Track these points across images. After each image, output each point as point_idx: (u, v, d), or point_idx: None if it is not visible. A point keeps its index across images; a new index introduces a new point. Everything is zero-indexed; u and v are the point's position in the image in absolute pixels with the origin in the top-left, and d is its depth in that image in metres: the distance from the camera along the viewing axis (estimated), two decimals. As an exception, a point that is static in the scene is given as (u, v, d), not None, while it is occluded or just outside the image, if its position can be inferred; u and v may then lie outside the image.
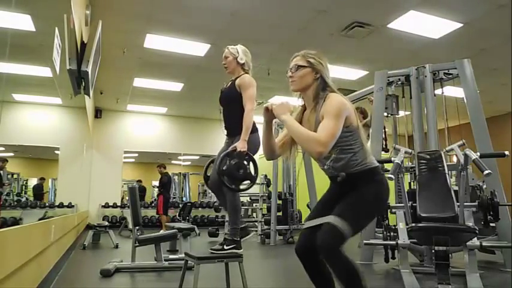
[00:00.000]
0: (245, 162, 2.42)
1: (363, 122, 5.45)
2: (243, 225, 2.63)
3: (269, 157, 1.81)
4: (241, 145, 2.43)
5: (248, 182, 2.47)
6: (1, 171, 7.65)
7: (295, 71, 1.72)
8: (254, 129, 2.58)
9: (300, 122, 1.72)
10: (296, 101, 1.80)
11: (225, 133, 2.74)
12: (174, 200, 10.67)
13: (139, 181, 10.12)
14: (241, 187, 2.47)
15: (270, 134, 1.76)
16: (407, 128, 5.67)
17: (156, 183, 11.19)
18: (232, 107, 2.64)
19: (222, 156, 2.42)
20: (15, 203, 8.62)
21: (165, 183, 7.89)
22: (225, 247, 2.46)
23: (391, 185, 4.67)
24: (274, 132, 7.00)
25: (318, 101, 1.66)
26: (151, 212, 9.59)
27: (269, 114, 1.68)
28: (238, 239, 2.52)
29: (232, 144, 2.53)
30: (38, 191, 9.26)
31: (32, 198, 9.00)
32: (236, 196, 2.56)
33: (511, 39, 5.37)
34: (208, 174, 2.78)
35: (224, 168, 2.37)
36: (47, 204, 8.70)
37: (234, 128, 2.60)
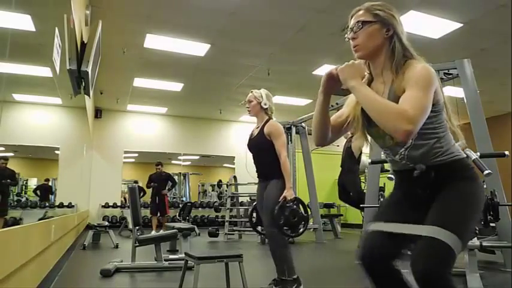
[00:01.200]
0: (295, 207, 2.60)
1: None
2: (295, 276, 2.70)
3: (320, 143, 1.42)
4: (289, 193, 2.58)
5: (304, 223, 2.68)
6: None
7: (358, 30, 1.31)
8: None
9: None
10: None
11: (257, 176, 2.86)
12: (174, 200, 10.67)
13: (135, 182, 10.09)
14: (300, 231, 2.70)
15: (326, 112, 1.36)
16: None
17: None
18: (264, 154, 2.75)
19: (276, 212, 2.55)
20: (15, 203, 8.62)
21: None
22: None
23: (391, 185, 4.69)
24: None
25: (396, 67, 1.27)
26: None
27: (331, 83, 1.30)
28: (296, 275, 2.65)
29: (266, 188, 2.70)
30: (45, 191, 9.24)
31: (32, 198, 8.99)
32: (287, 249, 2.69)
33: (511, 39, 5.36)
34: (253, 220, 2.95)
35: (282, 222, 2.54)
36: (47, 204, 8.70)
37: (267, 173, 2.75)
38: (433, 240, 1.12)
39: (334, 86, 1.31)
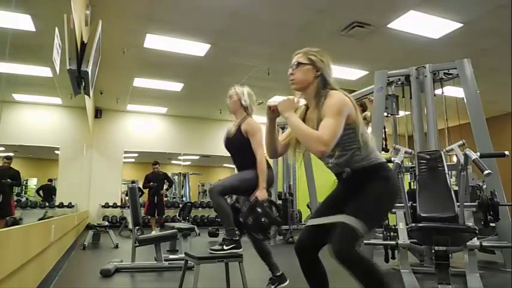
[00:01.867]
0: (267, 209, 2.45)
1: (362, 114, 5.45)
2: (279, 273, 2.67)
3: (272, 156, 1.83)
4: (261, 194, 2.46)
5: (275, 227, 2.52)
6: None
7: (295, 68, 1.70)
8: (267, 167, 2.61)
9: (304, 121, 1.69)
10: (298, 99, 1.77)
11: (236, 169, 2.76)
12: (174, 200, 10.68)
13: (133, 182, 10.06)
14: (271, 234, 2.54)
15: (273, 133, 1.76)
16: (407, 128, 5.67)
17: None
18: (240, 151, 2.67)
19: (245, 213, 2.43)
20: (15, 203, 8.62)
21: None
22: (225, 247, 2.46)
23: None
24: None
25: (319, 99, 1.63)
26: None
27: (272, 112, 1.68)
28: (237, 238, 2.52)
29: (242, 175, 2.60)
30: (48, 192, 9.23)
31: (32, 198, 8.99)
32: (221, 200, 2.51)
33: (511, 39, 5.36)
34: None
35: (250, 223, 2.42)
36: (47, 204, 8.70)
37: (245, 167, 2.64)
38: (343, 224, 1.51)
39: (275, 115, 1.69)
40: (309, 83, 1.68)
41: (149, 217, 7.81)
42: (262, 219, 2.41)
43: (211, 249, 2.48)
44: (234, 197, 3.82)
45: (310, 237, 1.71)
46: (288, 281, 2.66)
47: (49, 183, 9.31)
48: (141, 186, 8.09)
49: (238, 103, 2.74)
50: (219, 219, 7.50)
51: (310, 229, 1.73)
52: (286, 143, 1.80)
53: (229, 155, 2.78)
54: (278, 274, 2.68)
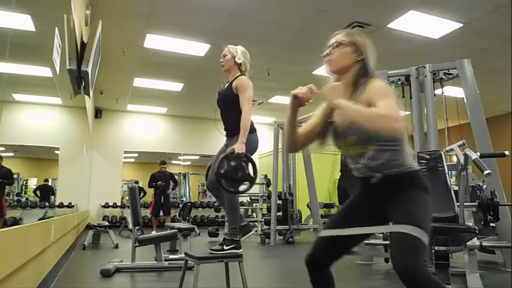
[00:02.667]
0: (243, 164, 2.41)
1: None
2: (243, 223, 2.61)
3: (290, 150, 1.63)
4: (239, 147, 2.41)
5: (247, 183, 2.45)
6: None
7: (335, 47, 1.51)
8: (252, 130, 2.56)
9: (330, 112, 1.52)
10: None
11: (224, 134, 2.74)
12: (174, 200, 10.67)
13: (136, 182, 10.07)
14: (240, 189, 2.46)
15: (294, 124, 1.56)
16: (407, 128, 5.67)
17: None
18: (229, 108, 2.63)
19: (220, 159, 2.40)
20: (15, 203, 8.62)
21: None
22: (225, 247, 2.46)
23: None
24: (275, 133, 6.92)
25: (356, 87, 1.44)
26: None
27: (298, 100, 1.49)
28: (238, 238, 2.51)
29: (230, 145, 2.52)
30: (45, 191, 9.23)
31: (32, 199, 8.99)
32: (234, 196, 2.54)
33: (511, 39, 5.36)
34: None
35: (222, 171, 2.36)
36: (47, 204, 8.70)
37: (232, 129, 2.59)
38: (401, 235, 1.25)
39: (300, 105, 1.51)
40: (347, 67, 1.49)
41: (151, 217, 7.78)
42: (235, 173, 2.37)
43: (211, 249, 2.48)
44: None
45: (324, 250, 1.54)
46: (241, 250, 2.52)
47: (46, 183, 9.31)
48: (142, 186, 8.08)
49: (231, 61, 2.69)
50: (221, 218, 7.51)
51: (323, 241, 1.54)
52: (308, 135, 1.58)
53: (219, 114, 2.74)
54: (242, 224, 2.60)
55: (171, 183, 7.81)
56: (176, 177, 10.90)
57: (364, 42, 1.52)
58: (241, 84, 2.60)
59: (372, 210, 1.44)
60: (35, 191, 9.16)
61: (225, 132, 2.73)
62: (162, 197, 7.50)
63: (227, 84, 2.71)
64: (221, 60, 2.73)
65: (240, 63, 2.69)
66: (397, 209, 1.36)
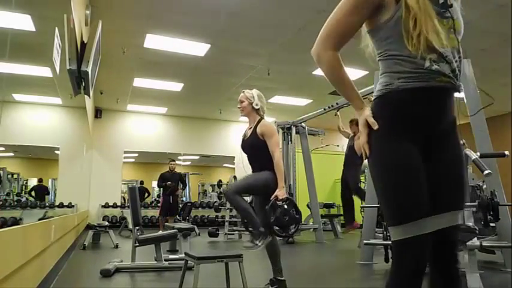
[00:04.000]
0: (287, 207, 2.61)
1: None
2: (282, 278, 2.75)
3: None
4: (281, 193, 2.58)
5: (295, 224, 2.68)
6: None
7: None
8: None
9: None
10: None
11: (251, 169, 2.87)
12: (182, 201, 10.67)
13: (141, 182, 10.09)
14: (291, 231, 2.71)
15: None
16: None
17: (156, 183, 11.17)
18: (257, 153, 2.75)
19: (268, 210, 2.57)
20: (15, 203, 8.62)
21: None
22: (258, 243, 2.61)
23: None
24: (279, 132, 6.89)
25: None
26: (151, 212, 9.61)
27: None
28: (263, 229, 2.62)
29: (257, 174, 2.71)
30: (40, 191, 9.22)
31: (32, 199, 9.00)
32: (240, 200, 2.62)
33: (511, 39, 5.36)
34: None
35: (272, 219, 2.56)
36: (47, 204, 8.70)
37: (260, 168, 2.72)
38: (456, 229, 1.07)
39: None
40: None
41: (159, 217, 7.66)
42: (283, 218, 2.57)
43: (245, 246, 2.63)
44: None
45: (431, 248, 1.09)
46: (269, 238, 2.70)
47: (40, 183, 9.30)
48: (145, 186, 8.02)
49: (249, 107, 2.80)
50: (218, 218, 7.49)
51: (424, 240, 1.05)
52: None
53: (247, 159, 2.87)
54: (280, 279, 2.73)
55: (180, 185, 7.69)
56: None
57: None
58: (268, 130, 2.71)
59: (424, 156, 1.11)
60: (29, 192, 9.14)
61: (251, 169, 2.86)
62: (171, 197, 7.34)
63: (250, 131, 2.80)
64: (239, 106, 2.84)
65: (258, 109, 2.80)
66: (446, 174, 1.11)
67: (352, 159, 5.50)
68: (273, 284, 2.69)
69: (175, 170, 7.65)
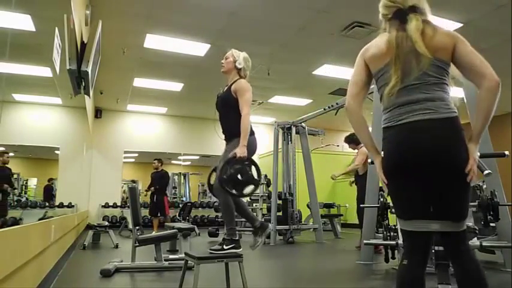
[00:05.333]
0: (246, 167, 2.44)
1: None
2: (258, 224, 2.63)
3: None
4: (240, 151, 2.43)
5: (252, 186, 2.50)
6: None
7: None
8: (251, 132, 2.57)
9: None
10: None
11: (223, 138, 2.75)
12: (174, 200, 10.68)
13: (133, 181, 10.00)
14: (245, 192, 2.49)
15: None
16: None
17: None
18: (228, 111, 2.65)
19: (222, 164, 2.43)
20: (15, 203, 8.62)
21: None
22: (224, 247, 2.47)
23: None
24: (275, 133, 6.88)
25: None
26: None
27: None
28: (237, 238, 2.53)
29: (230, 148, 2.55)
30: (48, 192, 9.21)
31: (32, 199, 8.99)
32: (227, 196, 2.52)
33: (511, 39, 5.36)
34: (212, 183, 2.78)
35: (225, 176, 2.40)
36: (47, 204, 8.70)
37: (231, 132, 2.61)
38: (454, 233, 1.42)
39: None
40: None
41: (150, 217, 7.72)
42: (239, 176, 2.41)
43: (211, 249, 2.49)
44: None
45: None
46: (269, 225, 2.64)
47: (49, 183, 9.28)
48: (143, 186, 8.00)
49: (232, 64, 2.72)
50: (220, 219, 7.50)
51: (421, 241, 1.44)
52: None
53: (218, 116, 2.76)
54: (257, 225, 2.64)
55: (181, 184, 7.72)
56: (175, 177, 10.96)
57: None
58: (241, 87, 2.62)
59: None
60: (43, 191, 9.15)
61: (223, 136, 2.74)
62: (155, 197, 7.34)
63: (226, 88, 2.73)
64: (222, 61, 2.77)
65: (240, 68, 2.72)
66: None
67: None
68: (256, 233, 2.56)
69: (160, 168, 7.57)
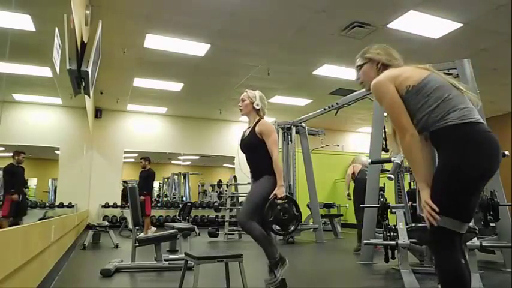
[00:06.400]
0: (286, 205, 2.59)
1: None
2: (277, 256, 2.71)
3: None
4: (279, 191, 2.57)
5: (295, 222, 2.65)
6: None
7: (358, 71, 1.74)
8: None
9: None
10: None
11: (250, 176, 2.84)
12: (174, 200, 10.67)
13: (125, 182, 9.90)
14: (290, 229, 2.68)
15: None
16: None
17: (156, 184, 11.09)
18: (255, 153, 2.74)
19: (266, 208, 2.55)
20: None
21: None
22: (276, 274, 2.61)
23: (391, 185, 4.66)
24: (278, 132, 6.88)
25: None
26: (151, 212, 9.61)
27: None
28: (278, 257, 2.66)
29: (258, 185, 2.68)
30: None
31: (32, 199, 8.98)
32: (254, 226, 2.61)
33: (511, 39, 5.36)
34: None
35: (271, 218, 2.54)
36: (47, 204, 8.70)
37: (259, 171, 2.72)
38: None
39: None
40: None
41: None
42: (282, 215, 2.55)
43: (268, 283, 2.62)
44: None
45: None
46: (287, 262, 2.75)
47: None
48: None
49: (250, 106, 2.81)
50: (218, 218, 7.50)
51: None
52: None
53: (245, 159, 2.86)
54: (277, 257, 2.72)
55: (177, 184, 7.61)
56: (176, 177, 10.94)
57: (376, 52, 1.73)
58: (266, 129, 2.71)
59: None
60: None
61: (251, 175, 2.83)
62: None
63: (249, 130, 2.80)
64: (240, 104, 2.85)
65: (259, 109, 2.80)
66: None
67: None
68: (276, 267, 2.66)
69: (147, 167, 7.46)
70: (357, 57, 1.74)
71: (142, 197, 6.91)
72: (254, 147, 2.73)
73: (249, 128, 2.82)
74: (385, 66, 1.63)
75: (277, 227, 2.60)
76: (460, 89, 1.52)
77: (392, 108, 1.49)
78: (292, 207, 2.64)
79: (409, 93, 1.50)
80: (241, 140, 2.87)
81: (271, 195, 2.57)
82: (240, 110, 2.85)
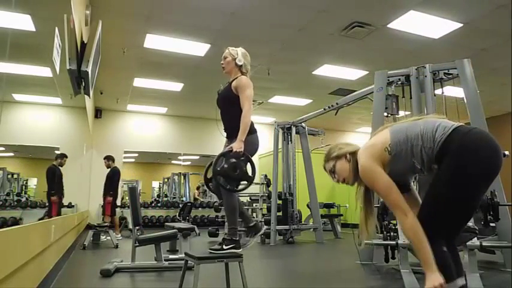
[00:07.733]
0: (242, 163, 2.42)
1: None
2: (252, 224, 2.65)
3: None
4: (237, 145, 2.42)
5: (245, 183, 2.48)
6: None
7: (333, 175, 2.01)
8: (252, 130, 2.56)
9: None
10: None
11: (225, 135, 2.73)
12: (174, 200, 10.67)
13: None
14: (239, 188, 2.48)
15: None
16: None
17: (156, 184, 11.11)
18: (229, 108, 2.63)
19: (217, 157, 2.42)
20: (15, 203, 8.62)
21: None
22: (224, 247, 2.47)
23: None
24: (275, 133, 6.87)
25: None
26: (151, 212, 9.61)
27: None
28: (237, 238, 2.53)
29: (230, 145, 2.54)
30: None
31: (32, 199, 8.99)
32: (233, 196, 2.54)
33: (511, 39, 5.36)
34: (209, 177, 2.75)
35: (219, 168, 2.38)
36: (47, 204, 8.69)
37: (232, 129, 2.58)
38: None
39: None
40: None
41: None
42: (233, 171, 2.38)
43: (211, 249, 2.49)
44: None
45: None
46: (264, 228, 2.70)
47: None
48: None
49: (232, 63, 2.70)
50: (221, 218, 7.51)
51: None
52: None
53: (219, 112, 2.75)
54: (251, 224, 2.66)
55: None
56: (176, 177, 10.94)
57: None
58: (241, 83, 2.61)
59: None
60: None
61: (225, 133, 2.73)
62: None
63: (227, 85, 2.72)
64: (222, 62, 2.75)
65: (241, 65, 2.70)
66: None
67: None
68: (228, 244, 2.48)
69: (112, 165, 7.11)
70: (324, 165, 1.89)
71: (109, 198, 6.72)
72: (227, 101, 2.64)
73: (227, 83, 2.73)
74: (353, 154, 1.74)
75: (223, 180, 2.40)
76: (420, 118, 1.67)
77: (386, 192, 1.56)
78: (247, 166, 2.46)
79: (392, 151, 1.60)
80: (218, 94, 2.77)
81: (228, 147, 2.46)
82: (223, 68, 2.74)
